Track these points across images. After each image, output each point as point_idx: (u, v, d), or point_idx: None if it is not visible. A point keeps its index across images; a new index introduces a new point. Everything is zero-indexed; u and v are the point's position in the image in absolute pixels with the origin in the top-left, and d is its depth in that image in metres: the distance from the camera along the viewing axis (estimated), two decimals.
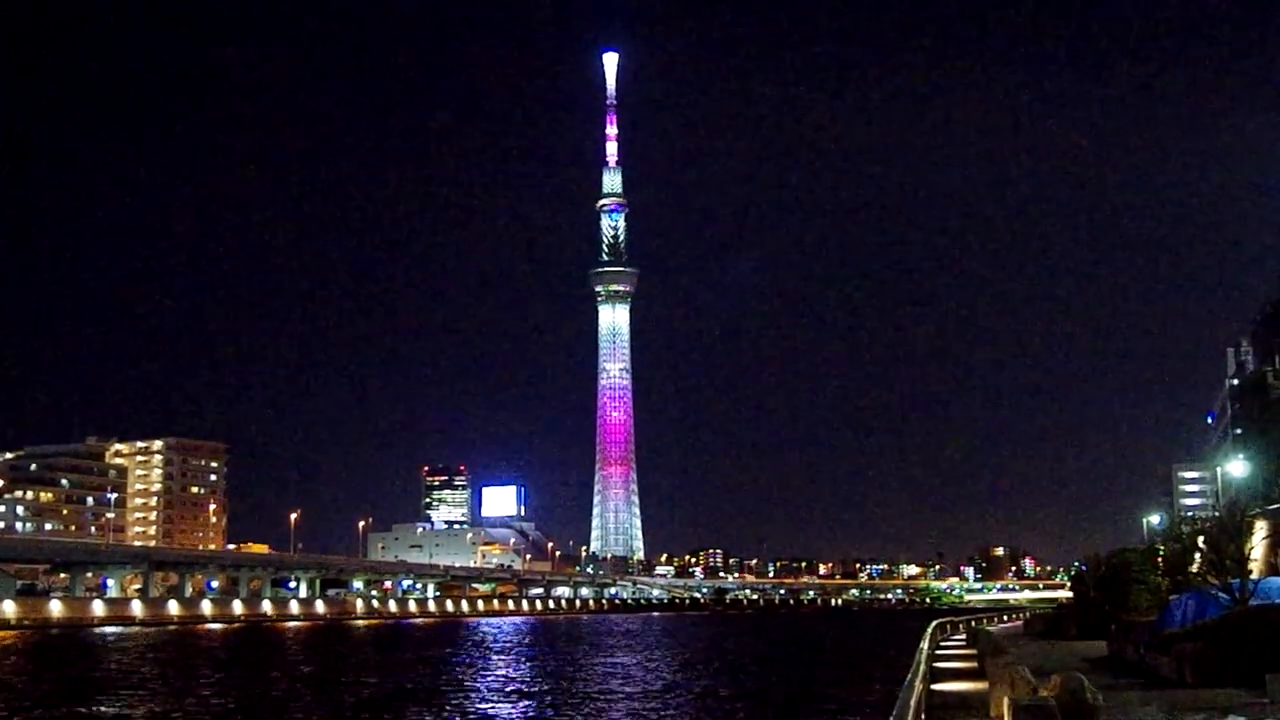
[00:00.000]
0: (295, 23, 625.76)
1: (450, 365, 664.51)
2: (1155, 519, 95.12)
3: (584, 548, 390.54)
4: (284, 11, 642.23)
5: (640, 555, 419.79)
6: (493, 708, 53.25)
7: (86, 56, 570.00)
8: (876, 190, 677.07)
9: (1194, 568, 45.10)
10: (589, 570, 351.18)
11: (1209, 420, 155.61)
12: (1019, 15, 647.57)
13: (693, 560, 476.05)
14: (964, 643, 58.58)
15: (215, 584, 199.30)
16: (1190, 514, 79.99)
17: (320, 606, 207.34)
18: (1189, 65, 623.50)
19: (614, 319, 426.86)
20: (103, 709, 51.81)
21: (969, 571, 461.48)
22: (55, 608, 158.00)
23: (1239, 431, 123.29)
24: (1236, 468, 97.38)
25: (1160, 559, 53.87)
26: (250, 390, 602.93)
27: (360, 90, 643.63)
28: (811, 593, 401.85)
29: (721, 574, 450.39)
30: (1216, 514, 56.46)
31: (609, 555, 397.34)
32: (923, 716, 21.45)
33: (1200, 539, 45.97)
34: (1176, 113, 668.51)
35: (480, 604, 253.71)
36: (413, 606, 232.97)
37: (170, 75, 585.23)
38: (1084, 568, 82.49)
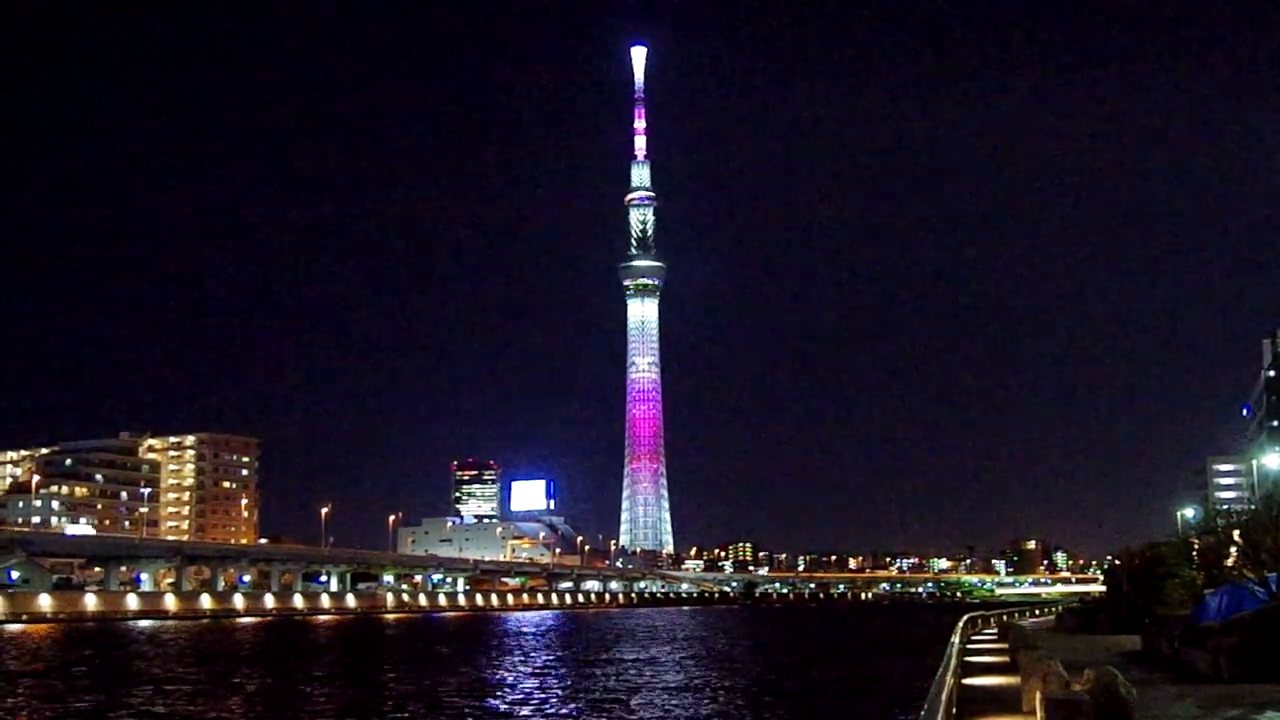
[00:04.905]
0: (326, 20, 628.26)
1: (480, 360, 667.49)
2: (1189, 512, 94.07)
3: (613, 542, 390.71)
4: (315, 8, 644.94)
5: (669, 549, 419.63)
6: (517, 704, 53.24)
7: (137, 51, 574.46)
8: (906, 182, 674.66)
9: (1229, 561, 44.55)
10: (618, 564, 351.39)
11: (1245, 412, 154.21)
12: (1046, 10, 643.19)
13: (722, 554, 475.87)
14: (995, 637, 58.18)
15: (247, 578, 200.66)
16: (1225, 507, 79.02)
17: (351, 600, 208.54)
18: (1227, 48, 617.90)
19: (643, 312, 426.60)
20: (137, 701, 52.13)
21: (1000, 565, 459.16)
22: (90, 601, 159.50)
23: (1275, 423, 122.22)
24: (1273, 460, 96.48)
25: (1195, 553, 53.24)
26: (282, 385, 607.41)
27: (389, 86, 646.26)
28: (841, 586, 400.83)
29: (751, 568, 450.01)
30: (1252, 506, 55.82)
31: (638, 549, 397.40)
32: (954, 710, 21.23)
33: (1236, 532, 45.43)
34: (1212, 99, 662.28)
35: (509, 598, 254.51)
36: (443, 600, 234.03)
37: (211, 71, 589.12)
38: (1117, 561, 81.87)
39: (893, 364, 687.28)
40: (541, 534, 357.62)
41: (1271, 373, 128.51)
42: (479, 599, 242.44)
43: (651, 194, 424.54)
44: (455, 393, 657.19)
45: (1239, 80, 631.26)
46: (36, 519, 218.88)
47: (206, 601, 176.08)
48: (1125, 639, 49.33)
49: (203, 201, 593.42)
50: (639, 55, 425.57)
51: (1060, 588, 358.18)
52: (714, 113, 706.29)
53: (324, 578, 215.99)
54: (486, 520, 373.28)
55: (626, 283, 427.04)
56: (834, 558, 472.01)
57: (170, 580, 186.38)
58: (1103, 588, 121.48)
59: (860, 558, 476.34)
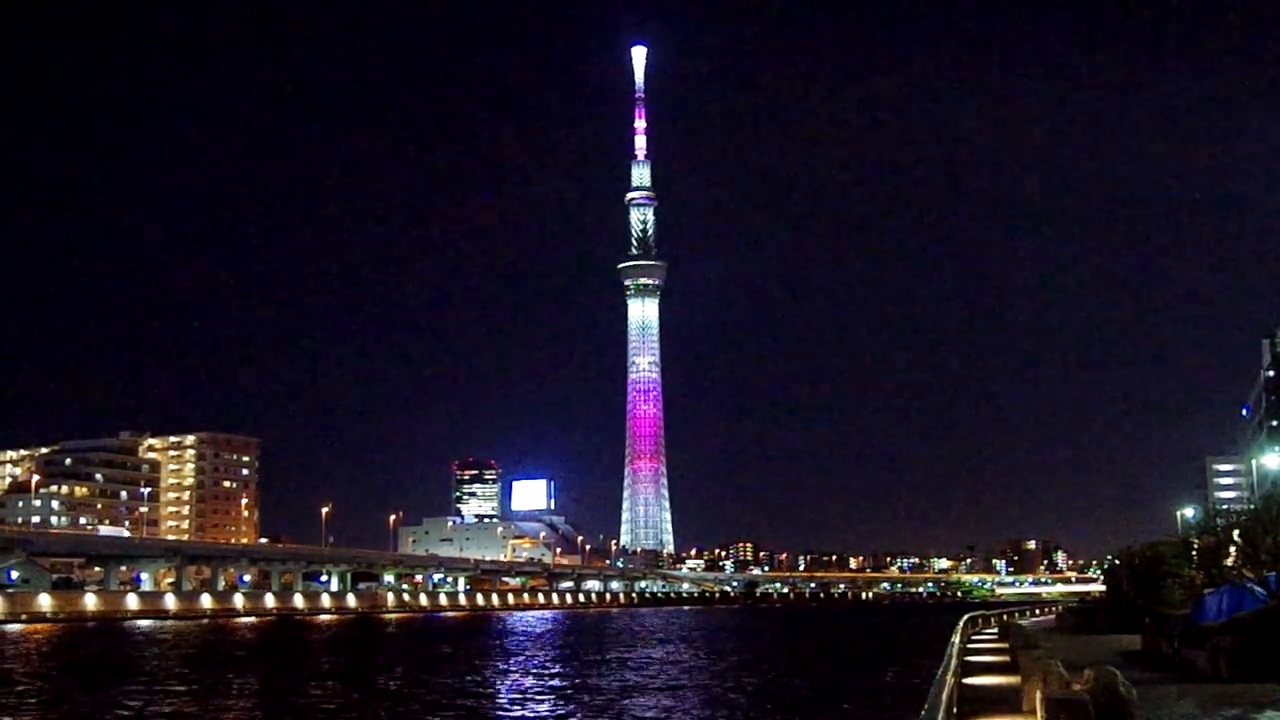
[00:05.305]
0: (326, 20, 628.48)
1: (480, 359, 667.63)
2: (1189, 512, 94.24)
3: (614, 541, 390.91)
4: (315, 9, 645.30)
5: (670, 549, 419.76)
6: (516, 704, 53.27)
7: (137, 49, 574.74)
8: (907, 181, 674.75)
9: (1229, 561, 44.58)
10: (619, 564, 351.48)
11: (1244, 412, 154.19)
12: (1047, 8, 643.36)
13: (723, 554, 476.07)
14: (996, 637, 58.23)
15: (247, 578, 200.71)
16: (1225, 506, 79.15)
17: (351, 600, 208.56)
18: (1228, 47, 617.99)
19: (643, 312, 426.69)
20: (137, 701, 52.14)
21: (1001, 565, 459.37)
22: (90, 601, 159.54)
23: (1275, 423, 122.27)
24: (1272, 460, 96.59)
25: (1194, 552, 53.28)
26: (281, 385, 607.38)
27: (389, 85, 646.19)
28: (842, 586, 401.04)
29: (751, 568, 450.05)
30: (1252, 506, 55.86)
31: (639, 549, 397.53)
32: (955, 710, 21.25)
33: (1235, 532, 45.45)
34: (1213, 98, 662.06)
35: (510, 597, 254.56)
36: (443, 600, 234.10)
37: (211, 69, 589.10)
38: (1117, 561, 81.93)
39: (893, 363, 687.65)
40: (542, 534, 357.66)
41: (1271, 373, 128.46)
42: (479, 599, 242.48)
43: (652, 194, 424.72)
44: (455, 393, 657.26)
45: (1240, 79, 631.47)
46: (36, 519, 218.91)
47: (207, 601, 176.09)
48: (1125, 639, 49.35)
49: (203, 201, 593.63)
50: (639, 55, 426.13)
51: (1060, 587, 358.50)
52: (714, 113, 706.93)
53: (324, 577, 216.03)
54: (487, 520, 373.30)
55: (627, 282, 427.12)
56: (834, 557, 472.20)
57: (170, 580, 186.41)
58: (1103, 587, 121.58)
59: (861, 557, 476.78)
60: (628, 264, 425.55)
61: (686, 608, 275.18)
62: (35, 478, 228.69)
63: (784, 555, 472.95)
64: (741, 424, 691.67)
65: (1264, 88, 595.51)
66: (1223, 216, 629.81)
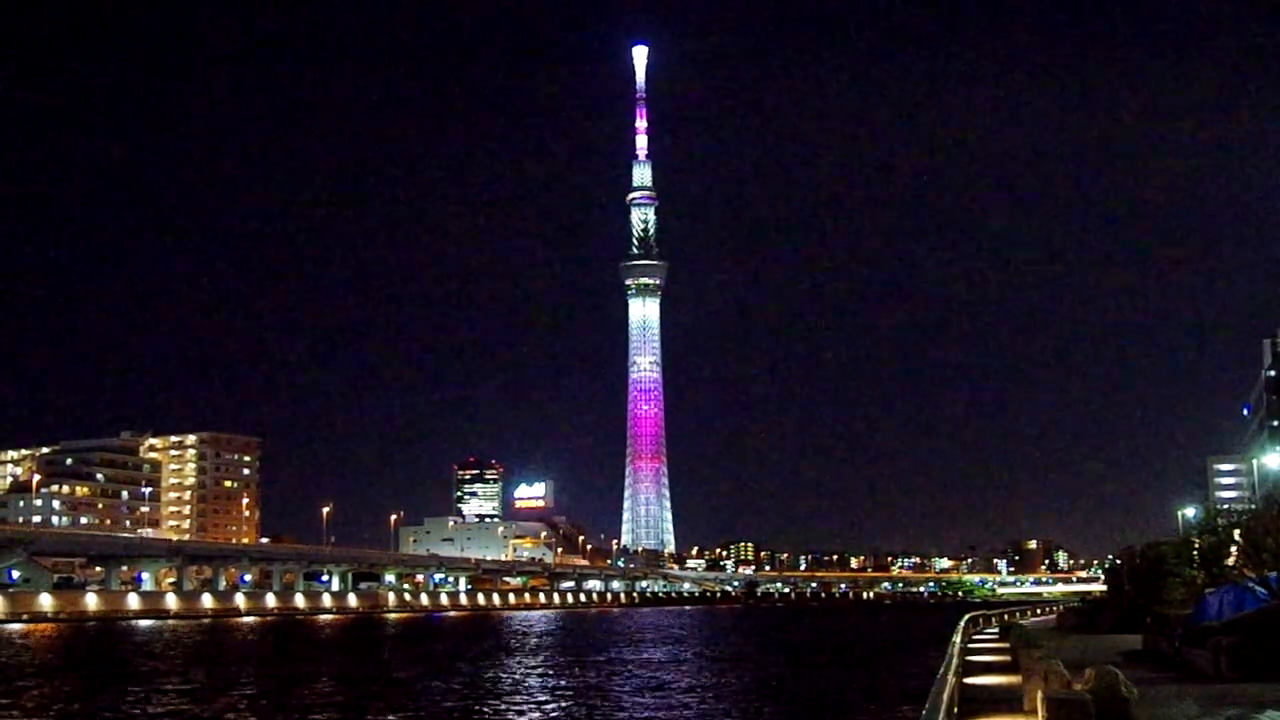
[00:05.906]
0: (326, 20, 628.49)
1: (481, 359, 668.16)
2: (1190, 511, 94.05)
3: (615, 541, 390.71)
4: (316, 8, 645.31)
5: (671, 548, 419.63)
6: (515, 704, 53.26)
7: (134, 48, 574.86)
8: (909, 181, 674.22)
9: (1230, 561, 44.61)
10: (620, 564, 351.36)
11: (1245, 411, 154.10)
12: (1048, 9, 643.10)
13: (724, 554, 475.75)
14: (997, 636, 58.19)
15: (248, 577, 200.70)
16: (1226, 506, 79.14)
17: (352, 600, 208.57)
18: (1229, 46, 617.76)
19: (644, 312, 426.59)
20: (136, 701, 52.14)
21: (1002, 565, 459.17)
22: (91, 601, 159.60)
23: (1276, 423, 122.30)
24: (1273, 459, 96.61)
25: (1195, 552, 53.27)
26: (283, 384, 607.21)
27: (389, 85, 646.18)
28: (843, 586, 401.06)
29: (752, 567, 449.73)
30: (1253, 506, 55.87)
31: (640, 548, 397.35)
32: (956, 709, 21.25)
33: (1236, 532, 45.49)
34: (1214, 100, 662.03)
35: (511, 597, 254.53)
36: (444, 600, 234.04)
37: (211, 68, 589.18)
38: (1118, 561, 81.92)
39: (894, 363, 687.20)
40: (543, 533, 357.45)
41: (1271, 373, 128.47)
42: (480, 599, 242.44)
43: (653, 193, 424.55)
44: (456, 392, 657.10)
45: (1240, 79, 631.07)
46: (37, 518, 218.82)
47: (208, 601, 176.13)
48: (1126, 638, 49.31)
49: (202, 201, 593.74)
50: (640, 55, 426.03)
51: (1061, 587, 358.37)
52: (715, 112, 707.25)
53: (325, 577, 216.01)
54: (488, 519, 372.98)
55: (628, 282, 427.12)
56: (835, 557, 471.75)
57: (171, 580, 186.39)
58: (1104, 587, 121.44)
59: (861, 557, 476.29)
60: (628, 264, 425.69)
61: (688, 607, 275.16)
62: (36, 478, 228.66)
63: (785, 555, 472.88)
64: (742, 424, 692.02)
65: (1264, 88, 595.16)
66: (1223, 217, 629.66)
